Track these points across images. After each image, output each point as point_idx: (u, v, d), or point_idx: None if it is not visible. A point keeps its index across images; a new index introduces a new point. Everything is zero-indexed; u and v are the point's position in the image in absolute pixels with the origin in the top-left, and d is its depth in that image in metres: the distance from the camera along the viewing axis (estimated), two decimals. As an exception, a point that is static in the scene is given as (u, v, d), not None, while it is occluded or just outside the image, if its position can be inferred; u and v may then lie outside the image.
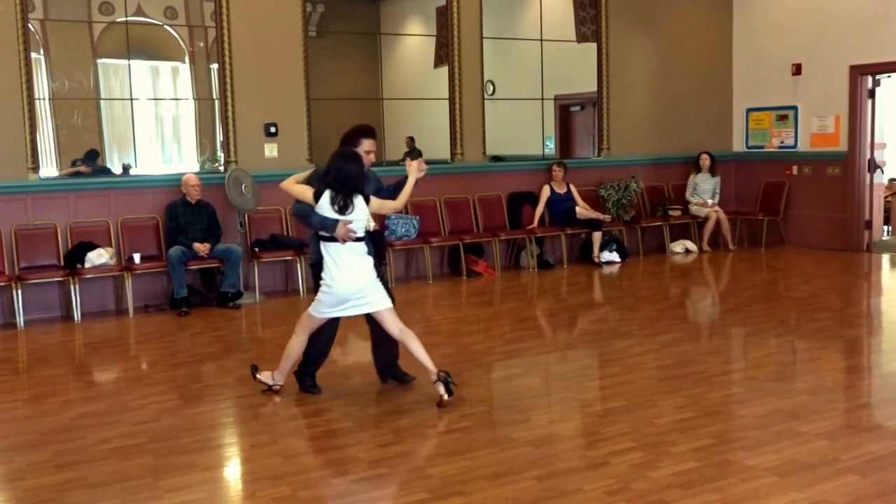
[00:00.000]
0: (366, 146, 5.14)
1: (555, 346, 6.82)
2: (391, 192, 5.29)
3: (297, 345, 5.16)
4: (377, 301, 5.02)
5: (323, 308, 5.04)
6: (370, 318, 5.19)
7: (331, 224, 4.88)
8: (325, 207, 4.90)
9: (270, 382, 5.30)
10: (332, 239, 4.91)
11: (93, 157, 9.15)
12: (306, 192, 4.96)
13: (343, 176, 4.88)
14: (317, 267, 5.11)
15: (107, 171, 9.13)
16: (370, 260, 5.04)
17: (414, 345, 5.00)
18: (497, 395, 5.44)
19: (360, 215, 4.96)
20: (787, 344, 6.58)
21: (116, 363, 6.62)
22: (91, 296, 8.07)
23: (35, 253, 7.91)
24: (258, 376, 5.33)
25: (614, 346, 6.47)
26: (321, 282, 5.02)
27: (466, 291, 9.07)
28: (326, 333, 5.25)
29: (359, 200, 4.94)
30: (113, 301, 8.31)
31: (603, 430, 4.55)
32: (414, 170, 5.22)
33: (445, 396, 4.93)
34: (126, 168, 9.34)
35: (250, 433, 4.75)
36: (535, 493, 3.76)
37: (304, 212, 4.99)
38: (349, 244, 4.91)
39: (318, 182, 5.00)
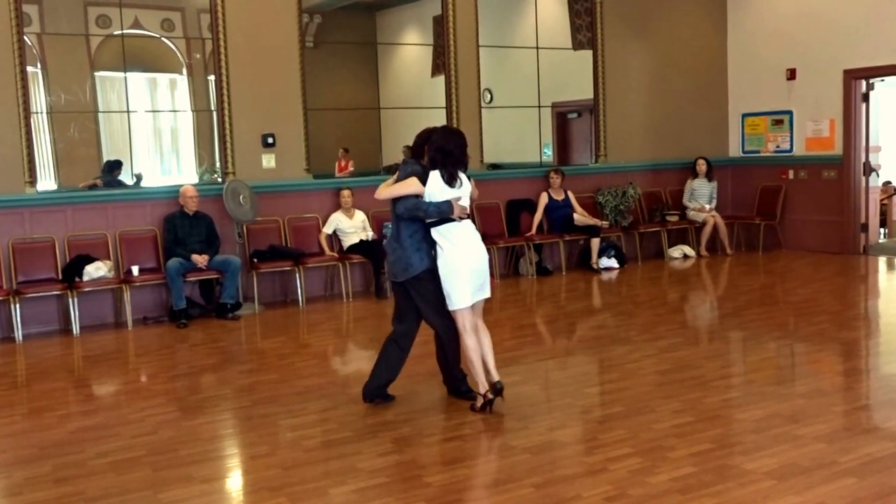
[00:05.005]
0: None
1: (554, 352, 6.82)
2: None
3: (471, 347, 4.93)
4: (488, 286, 5.07)
5: (461, 296, 4.88)
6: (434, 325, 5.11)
7: (447, 207, 4.89)
8: (434, 189, 4.88)
9: (483, 399, 4.93)
10: (444, 221, 4.89)
11: (110, 169, 9.08)
12: (409, 184, 4.89)
13: (449, 148, 4.92)
14: (424, 277, 4.98)
15: (119, 184, 9.03)
16: (479, 236, 5.08)
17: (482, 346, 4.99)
18: (496, 402, 5.43)
19: (466, 191, 5.02)
20: (785, 347, 6.59)
21: (115, 376, 6.61)
22: (89, 309, 8.06)
23: (33, 267, 7.91)
24: (476, 407, 4.98)
25: (613, 351, 6.48)
26: (441, 277, 4.92)
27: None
28: (404, 354, 5.18)
29: (463, 175, 5.01)
30: (112, 314, 8.31)
31: (601, 437, 4.56)
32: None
33: (478, 404, 4.95)
34: (138, 178, 9.31)
35: (249, 444, 4.74)
36: (534, 500, 3.77)
37: (414, 205, 4.89)
38: (463, 223, 4.95)
39: (415, 167, 4.98)
